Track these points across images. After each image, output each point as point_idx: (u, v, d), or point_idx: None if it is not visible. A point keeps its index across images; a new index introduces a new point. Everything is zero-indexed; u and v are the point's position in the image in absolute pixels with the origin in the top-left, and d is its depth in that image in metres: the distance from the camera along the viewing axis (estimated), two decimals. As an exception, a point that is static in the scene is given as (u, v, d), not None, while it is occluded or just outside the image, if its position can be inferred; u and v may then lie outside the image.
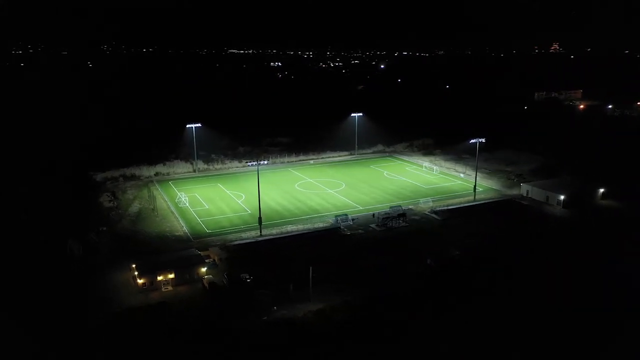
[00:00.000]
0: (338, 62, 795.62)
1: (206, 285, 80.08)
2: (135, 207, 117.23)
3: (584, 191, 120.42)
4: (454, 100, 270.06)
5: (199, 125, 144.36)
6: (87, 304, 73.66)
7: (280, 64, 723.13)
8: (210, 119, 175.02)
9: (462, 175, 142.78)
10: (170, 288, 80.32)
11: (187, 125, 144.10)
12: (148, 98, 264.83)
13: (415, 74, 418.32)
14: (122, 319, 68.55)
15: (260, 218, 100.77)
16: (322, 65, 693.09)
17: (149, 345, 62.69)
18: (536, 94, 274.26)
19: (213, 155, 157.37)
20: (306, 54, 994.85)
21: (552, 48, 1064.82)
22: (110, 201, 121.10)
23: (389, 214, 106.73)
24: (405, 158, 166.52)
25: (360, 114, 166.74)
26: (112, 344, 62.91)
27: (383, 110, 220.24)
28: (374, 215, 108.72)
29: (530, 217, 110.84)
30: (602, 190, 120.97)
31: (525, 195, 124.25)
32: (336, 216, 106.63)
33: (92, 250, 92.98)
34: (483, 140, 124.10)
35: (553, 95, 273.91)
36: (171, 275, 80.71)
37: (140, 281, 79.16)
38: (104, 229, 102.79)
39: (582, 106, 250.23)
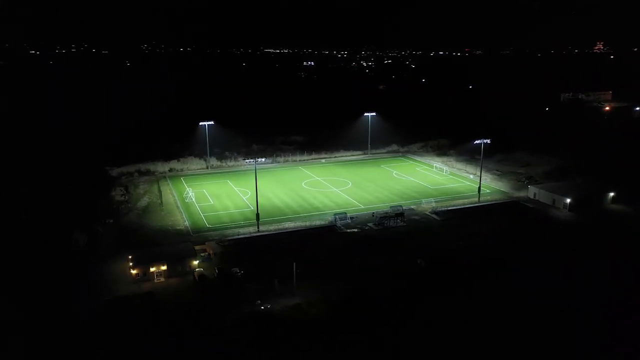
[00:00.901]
0: (372, 61, 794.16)
1: (196, 277, 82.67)
2: (144, 201, 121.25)
3: (593, 194, 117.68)
4: (474, 100, 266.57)
5: (212, 123, 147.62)
6: (80, 291, 77.08)
7: (312, 63, 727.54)
8: (227, 117, 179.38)
9: (471, 176, 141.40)
10: (162, 279, 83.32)
11: (200, 123, 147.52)
12: (172, 96, 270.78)
13: (444, 74, 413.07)
14: (108, 306, 71.66)
15: (257, 214, 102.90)
16: (353, 65, 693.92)
17: (127, 331, 65.41)
18: (562, 95, 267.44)
19: (227, 153, 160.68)
20: (340, 54, 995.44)
21: (596, 48, 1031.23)
22: (122, 195, 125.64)
23: (387, 213, 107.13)
24: (418, 158, 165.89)
25: (373, 114, 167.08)
26: (93, 330, 65.95)
27: (400, 110, 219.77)
28: (373, 214, 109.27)
29: (532, 219, 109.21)
30: (612, 194, 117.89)
31: (532, 197, 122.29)
32: (335, 214, 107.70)
33: (96, 241, 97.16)
34: (488, 141, 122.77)
35: (580, 96, 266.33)
36: (164, 267, 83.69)
37: (133, 272, 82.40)
38: (111, 221, 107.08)
39: (607, 108, 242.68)
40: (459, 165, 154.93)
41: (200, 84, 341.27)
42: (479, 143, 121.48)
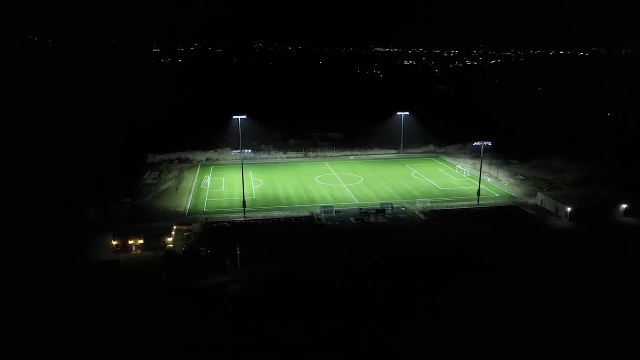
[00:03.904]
0: (478, 60, 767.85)
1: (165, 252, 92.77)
2: (166, 185, 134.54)
3: (601, 205, 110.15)
4: (535, 102, 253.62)
5: (244, 117, 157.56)
6: (67, 256, 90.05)
7: (414, 62, 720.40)
8: (274, 112, 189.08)
9: (489, 179, 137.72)
10: (139, 252, 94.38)
11: (233, 117, 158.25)
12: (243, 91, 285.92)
13: (534, 74, 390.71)
14: (79, 269, 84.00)
15: (244, 202, 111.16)
16: (457, 64, 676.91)
17: (85, 290, 76.84)
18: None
19: (263, 146, 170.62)
20: (451, 52, 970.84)
21: None
22: (153, 179, 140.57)
23: (368, 209, 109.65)
24: (449, 160, 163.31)
25: (407, 113, 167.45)
26: (56, 288, 78.25)
27: (448, 110, 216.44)
28: (360, 209, 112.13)
29: (524, 225, 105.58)
30: (624, 205, 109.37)
31: (539, 204, 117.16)
32: (321, 207, 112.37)
33: (107, 216, 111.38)
34: (489, 143, 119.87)
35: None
36: (140, 241, 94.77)
37: (114, 243, 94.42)
38: (128, 200, 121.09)
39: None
40: (486, 168, 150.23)
41: (264, 82, 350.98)
42: (478, 145, 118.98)
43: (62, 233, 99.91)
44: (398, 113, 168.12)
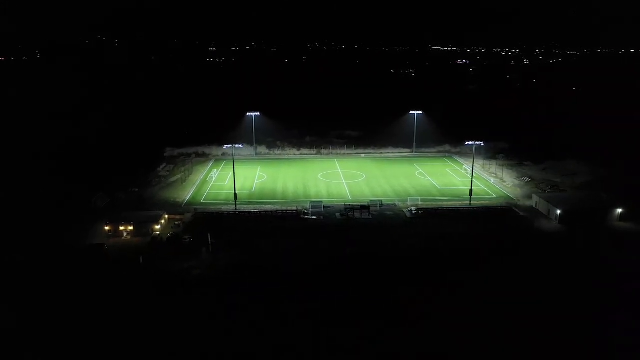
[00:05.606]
0: (539, 60, 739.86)
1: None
2: (175, 177, 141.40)
3: (593, 209, 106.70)
4: (571, 103, 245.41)
5: (258, 114, 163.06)
6: (65, 238, 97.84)
7: (467, 61, 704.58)
8: (296, 110, 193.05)
9: (492, 180, 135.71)
10: (129, 237, 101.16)
11: (247, 114, 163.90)
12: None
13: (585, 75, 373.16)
14: (65, 252, 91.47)
15: (235, 195, 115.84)
16: (513, 63, 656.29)
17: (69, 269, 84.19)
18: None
19: (278, 142, 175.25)
20: (510, 51, 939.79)
21: None
22: (167, 171, 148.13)
23: (353, 205, 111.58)
24: (461, 160, 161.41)
25: (420, 112, 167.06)
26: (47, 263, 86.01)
27: (471, 110, 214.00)
28: (346, 205, 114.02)
29: (511, 226, 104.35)
30: (620, 210, 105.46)
31: (534, 206, 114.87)
32: (310, 202, 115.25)
33: (113, 204, 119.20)
34: (482, 143, 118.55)
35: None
36: (131, 228, 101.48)
37: (106, 228, 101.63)
38: (136, 190, 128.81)
39: None
40: (495, 169, 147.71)
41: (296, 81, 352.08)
42: (470, 144, 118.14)
43: (67, 219, 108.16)
44: (411, 112, 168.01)
